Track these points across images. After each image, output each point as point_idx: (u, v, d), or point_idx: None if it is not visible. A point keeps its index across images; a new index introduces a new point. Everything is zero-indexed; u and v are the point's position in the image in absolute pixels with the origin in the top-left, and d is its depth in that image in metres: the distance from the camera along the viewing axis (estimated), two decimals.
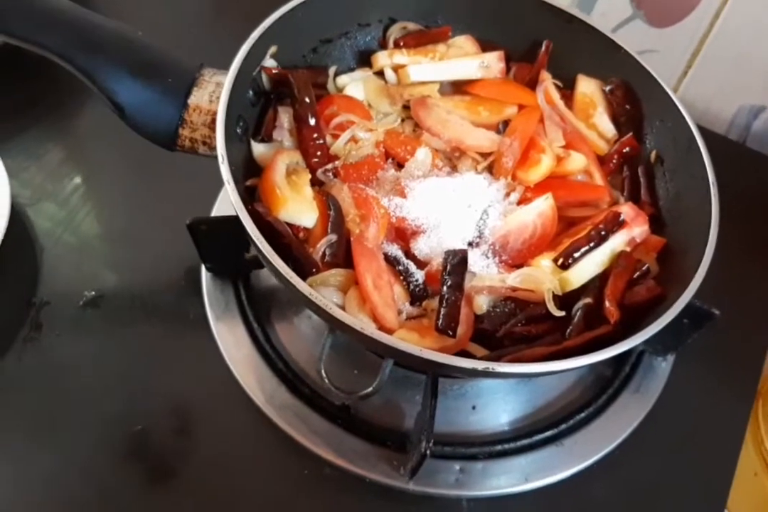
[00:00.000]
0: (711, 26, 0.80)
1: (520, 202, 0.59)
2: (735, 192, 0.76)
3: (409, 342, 0.48)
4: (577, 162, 0.62)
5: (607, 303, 0.52)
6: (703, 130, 0.84)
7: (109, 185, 0.74)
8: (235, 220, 0.48)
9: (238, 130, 0.56)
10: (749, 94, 0.83)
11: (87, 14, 0.55)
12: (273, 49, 0.59)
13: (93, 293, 0.64)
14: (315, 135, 0.58)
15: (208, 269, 0.64)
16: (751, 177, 0.82)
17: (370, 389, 0.53)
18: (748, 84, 0.82)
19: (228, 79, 0.53)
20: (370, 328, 0.45)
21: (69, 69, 0.54)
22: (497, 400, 0.61)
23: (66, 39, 0.53)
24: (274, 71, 0.59)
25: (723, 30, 0.79)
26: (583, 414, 0.60)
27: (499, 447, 0.57)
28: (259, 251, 0.47)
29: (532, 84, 0.67)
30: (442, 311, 0.51)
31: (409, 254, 0.56)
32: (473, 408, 0.60)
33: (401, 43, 0.67)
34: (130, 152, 0.67)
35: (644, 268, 0.56)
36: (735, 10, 0.77)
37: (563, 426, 0.59)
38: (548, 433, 0.59)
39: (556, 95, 0.66)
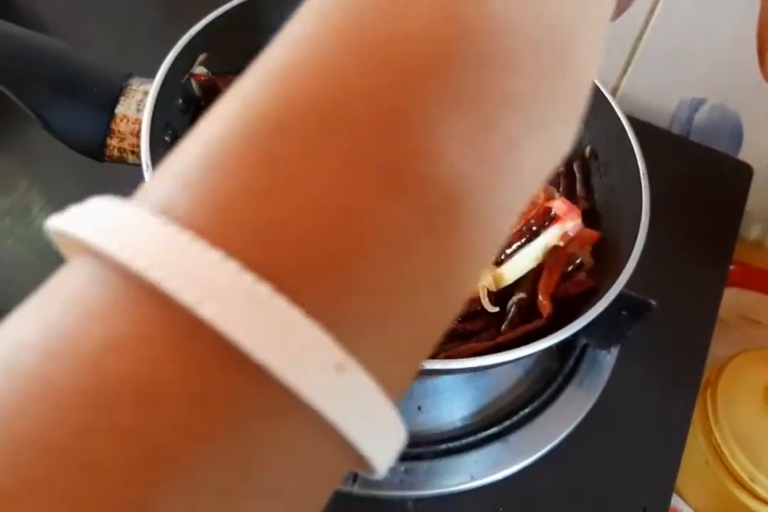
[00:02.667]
0: (646, 23, 0.81)
1: None
2: (679, 184, 0.78)
3: None
4: None
5: (540, 297, 0.53)
6: (646, 125, 0.85)
7: (56, 198, 0.74)
8: None
9: (167, 138, 0.56)
10: (689, 88, 0.84)
11: (6, 26, 0.55)
12: (202, 57, 0.59)
13: None
14: None
15: None
16: (694, 169, 0.83)
17: None
18: (687, 78, 0.83)
19: (153, 87, 0.53)
20: None
21: None
22: (443, 400, 0.61)
23: None
24: (203, 77, 0.59)
25: (658, 25, 0.80)
26: (527, 410, 0.60)
27: (444, 447, 0.57)
28: None
29: None
30: None
31: None
32: (419, 408, 0.60)
33: None
34: (78, 163, 0.66)
35: (578, 262, 0.56)
36: (668, 5, 0.78)
37: (507, 423, 0.59)
38: (493, 430, 0.59)
39: None
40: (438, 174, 0.16)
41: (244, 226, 0.14)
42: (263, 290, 0.14)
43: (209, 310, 0.13)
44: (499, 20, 0.17)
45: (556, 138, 0.18)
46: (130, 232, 0.14)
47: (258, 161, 0.15)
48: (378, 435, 0.16)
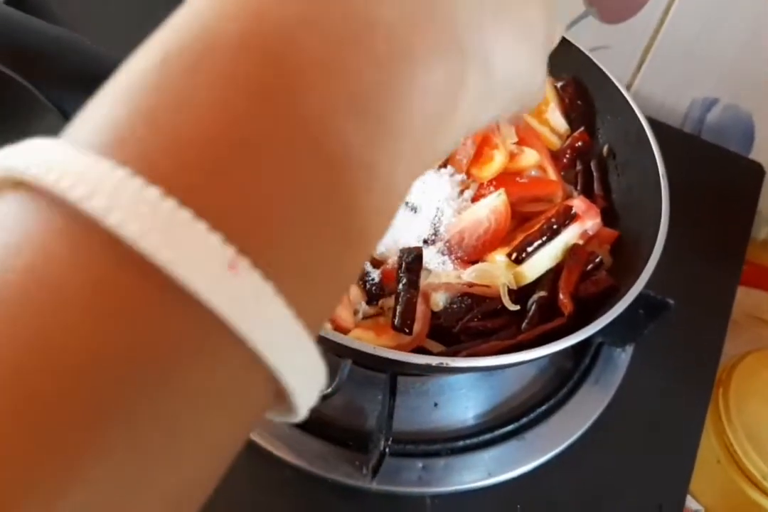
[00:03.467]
0: (661, 22, 0.81)
1: (474, 199, 0.60)
2: (690, 183, 0.78)
3: (364, 340, 0.49)
4: (529, 158, 0.62)
5: (560, 296, 0.53)
6: (659, 124, 0.85)
7: None
8: None
9: None
10: (702, 88, 0.84)
11: (28, 20, 0.54)
12: None
13: None
14: None
15: None
16: (706, 168, 0.83)
17: (329, 390, 0.53)
18: (700, 77, 0.83)
19: None
20: (324, 328, 0.45)
21: (14, 76, 0.54)
22: (460, 397, 0.61)
23: (6, 45, 0.52)
24: None
25: (673, 25, 0.80)
26: (543, 408, 0.60)
27: (461, 443, 0.58)
28: None
29: None
30: (398, 309, 0.51)
31: None
32: (435, 405, 0.60)
33: None
34: None
35: (597, 260, 0.56)
36: (684, 5, 0.78)
37: (524, 420, 0.59)
38: (510, 427, 0.59)
39: None
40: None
41: (139, 142, 0.16)
42: (152, 192, 0.14)
43: (95, 204, 0.14)
44: None
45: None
46: (47, 156, 0.15)
47: (154, 89, 0.17)
48: (285, 349, 0.15)
